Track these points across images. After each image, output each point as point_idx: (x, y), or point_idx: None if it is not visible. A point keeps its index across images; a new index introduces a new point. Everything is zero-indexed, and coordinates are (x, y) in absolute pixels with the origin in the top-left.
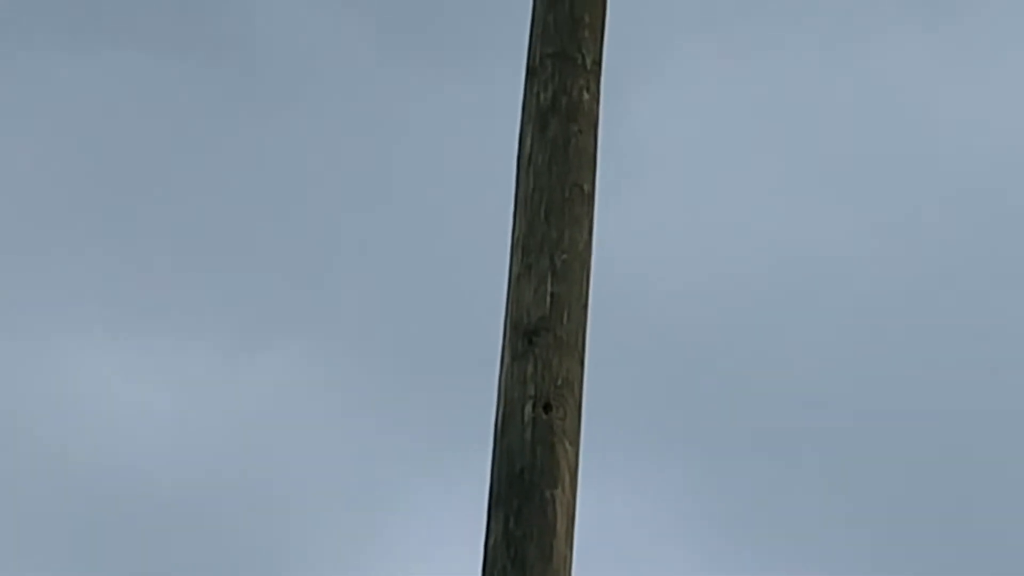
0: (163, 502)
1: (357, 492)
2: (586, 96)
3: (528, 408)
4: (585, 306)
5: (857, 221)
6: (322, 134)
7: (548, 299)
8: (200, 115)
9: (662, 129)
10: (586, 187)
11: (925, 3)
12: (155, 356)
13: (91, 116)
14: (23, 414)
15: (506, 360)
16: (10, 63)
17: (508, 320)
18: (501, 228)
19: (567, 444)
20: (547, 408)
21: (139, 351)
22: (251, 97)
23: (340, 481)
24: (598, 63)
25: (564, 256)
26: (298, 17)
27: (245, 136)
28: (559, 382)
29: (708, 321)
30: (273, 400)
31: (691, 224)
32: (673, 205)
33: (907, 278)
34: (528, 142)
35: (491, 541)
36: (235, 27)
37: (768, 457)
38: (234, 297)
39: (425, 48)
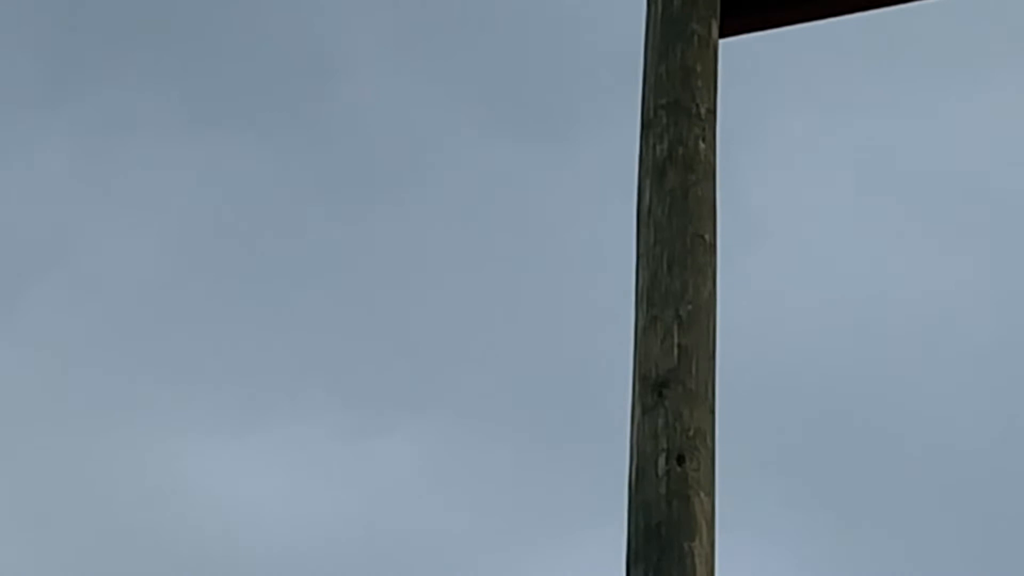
0: None
1: (493, 563)
2: (702, 145)
3: (661, 461)
4: (712, 355)
5: (975, 268)
6: (436, 207)
7: (675, 350)
8: (310, 199)
9: (774, 178)
10: (707, 237)
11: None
12: (276, 446)
13: (206, 203)
14: (148, 509)
15: (636, 414)
16: (121, 153)
17: (636, 374)
18: (624, 283)
19: (702, 495)
20: (680, 460)
21: (260, 441)
22: (361, 179)
23: (474, 553)
24: (712, 112)
25: (689, 307)
26: (405, 96)
27: (357, 218)
28: (691, 433)
29: (832, 368)
30: (400, 481)
31: (808, 273)
32: (791, 254)
33: None
34: (647, 195)
35: None
36: (342, 109)
37: (901, 506)
38: (353, 380)
39: (534, 110)
